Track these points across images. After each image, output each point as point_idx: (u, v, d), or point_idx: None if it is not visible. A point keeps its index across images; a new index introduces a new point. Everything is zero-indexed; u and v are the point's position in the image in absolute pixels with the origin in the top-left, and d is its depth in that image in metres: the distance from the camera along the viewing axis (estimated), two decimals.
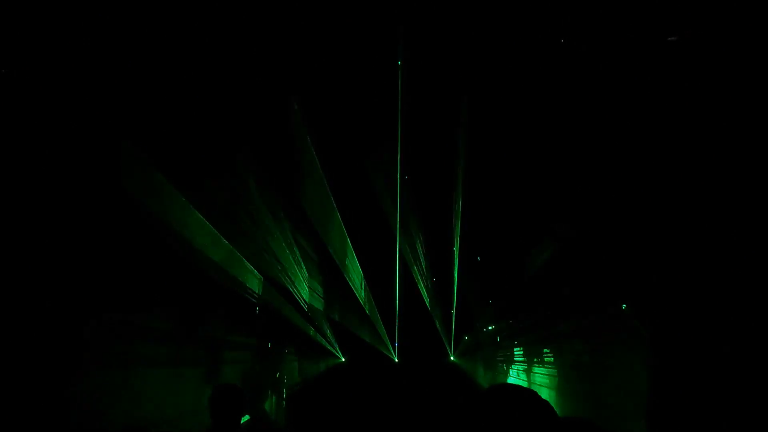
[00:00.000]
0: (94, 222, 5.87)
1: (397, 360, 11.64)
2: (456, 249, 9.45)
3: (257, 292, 10.02)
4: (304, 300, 10.49)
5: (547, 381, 10.04)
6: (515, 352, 11.21)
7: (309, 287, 10.71)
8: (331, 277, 10.70)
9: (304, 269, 10.31)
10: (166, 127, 6.08)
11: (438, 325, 11.99)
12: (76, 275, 6.03)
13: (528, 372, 10.75)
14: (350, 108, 6.56)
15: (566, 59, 5.99)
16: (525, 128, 6.80)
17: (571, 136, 6.59)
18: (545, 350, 10.13)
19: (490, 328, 11.88)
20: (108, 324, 6.40)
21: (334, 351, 11.79)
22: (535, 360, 10.46)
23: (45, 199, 5.59)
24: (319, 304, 11.12)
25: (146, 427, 3.01)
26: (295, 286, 10.08)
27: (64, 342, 5.94)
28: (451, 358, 11.96)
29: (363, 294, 11.08)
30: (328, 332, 11.41)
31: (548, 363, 10.07)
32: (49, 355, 5.67)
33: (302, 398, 11.25)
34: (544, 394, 9.98)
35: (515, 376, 11.13)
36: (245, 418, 7.07)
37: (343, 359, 11.89)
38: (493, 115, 6.72)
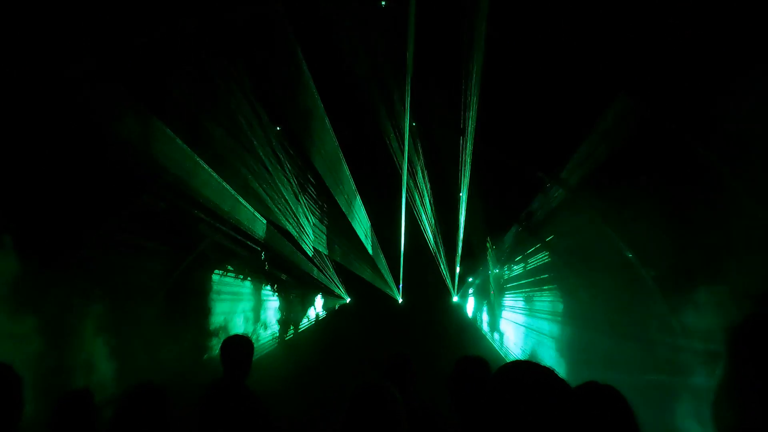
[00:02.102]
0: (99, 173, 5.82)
1: (401, 301, 11.85)
2: (463, 194, 9.39)
3: (262, 237, 10.07)
4: (309, 244, 10.55)
5: (550, 325, 10.22)
6: (520, 296, 11.35)
7: (314, 231, 10.75)
8: (336, 221, 10.72)
9: (310, 213, 10.31)
10: (163, 68, 5.89)
11: (442, 268, 12.13)
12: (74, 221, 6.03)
13: (532, 316, 10.93)
14: (357, 52, 6.34)
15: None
16: (535, 73, 6.58)
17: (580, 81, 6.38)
18: (549, 296, 10.24)
19: (494, 271, 12.00)
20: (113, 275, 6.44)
21: (339, 292, 11.99)
22: (541, 304, 10.59)
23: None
24: (324, 248, 11.20)
25: (156, 382, 3.03)
26: (301, 231, 10.11)
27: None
28: (455, 299, 12.17)
29: (369, 237, 11.13)
30: (334, 275, 11.56)
31: (553, 308, 10.21)
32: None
33: (308, 338, 11.54)
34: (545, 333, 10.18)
35: (518, 321, 11.33)
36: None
37: (348, 300, 12.11)
38: (503, 61, 6.48)
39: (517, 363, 1.75)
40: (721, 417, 1.05)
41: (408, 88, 6.70)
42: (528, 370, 1.68)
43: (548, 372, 1.70)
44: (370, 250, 11.33)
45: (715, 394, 1.08)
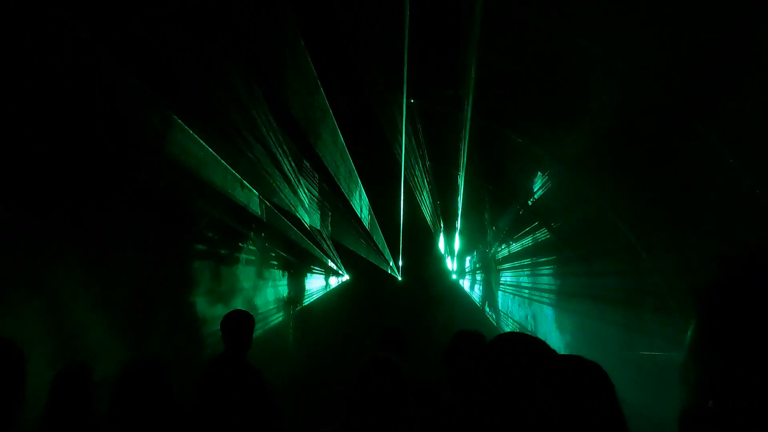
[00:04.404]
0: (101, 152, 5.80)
1: (400, 279, 11.94)
2: (461, 172, 9.39)
3: (262, 215, 10.09)
4: (308, 222, 10.58)
5: (548, 302, 10.31)
6: (517, 273, 11.44)
7: (313, 210, 10.77)
8: (335, 199, 10.74)
9: (309, 192, 10.32)
10: (163, 47, 5.81)
11: (441, 246, 12.20)
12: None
13: (529, 292, 11.02)
14: (354, 32, 6.28)
15: None
16: (536, 46, 6.53)
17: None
18: (547, 273, 10.31)
19: (493, 248, 12.07)
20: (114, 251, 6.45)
21: (338, 270, 12.07)
22: (538, 281, 10.68)
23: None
24: (323, 227, 11.24)
25: (154, 358, 3.06)
26: (299, 209, 10.13)
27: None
28: (453, 276, 12.26)
29: (367, 216, 11.17)
30: (333, 253, 11.63)
31: (546, 283, 10.29)
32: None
33: (308, 314, 11.65)
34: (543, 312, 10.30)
35: (515, 297, 11.44)
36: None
37: (347, 278, 12.19)
38: (503, 34, 6.42)
39: (509, 334, 1.80)
40: (687, 377, 1.09)
41: (405, 62, 6.65)
42: (519, 340, 1.73)
43: (538, 342, 1.75)
44: (368, 229, 11.37)
45: (683, 356, 1.11)
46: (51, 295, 5.64)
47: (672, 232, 6.57)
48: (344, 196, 10.38)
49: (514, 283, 11.47)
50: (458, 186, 9.95)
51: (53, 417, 3.22)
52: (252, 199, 9.52)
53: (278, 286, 11.33)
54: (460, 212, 10.90)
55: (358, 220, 11.11)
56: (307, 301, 11.98)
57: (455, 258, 12.27)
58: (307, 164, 9.57)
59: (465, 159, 8.83)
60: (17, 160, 5.17)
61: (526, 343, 1.72)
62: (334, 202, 10.95)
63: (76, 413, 3.26)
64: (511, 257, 11.48)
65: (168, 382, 2.98)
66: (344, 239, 11.44)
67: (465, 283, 12.46)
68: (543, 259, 10.13)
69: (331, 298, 12.03)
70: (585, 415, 1.83)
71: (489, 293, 12.15)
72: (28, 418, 2.37)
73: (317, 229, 11.02)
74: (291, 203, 9.69)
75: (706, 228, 5.71)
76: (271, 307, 10.95)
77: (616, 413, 1.92)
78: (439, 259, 12.24)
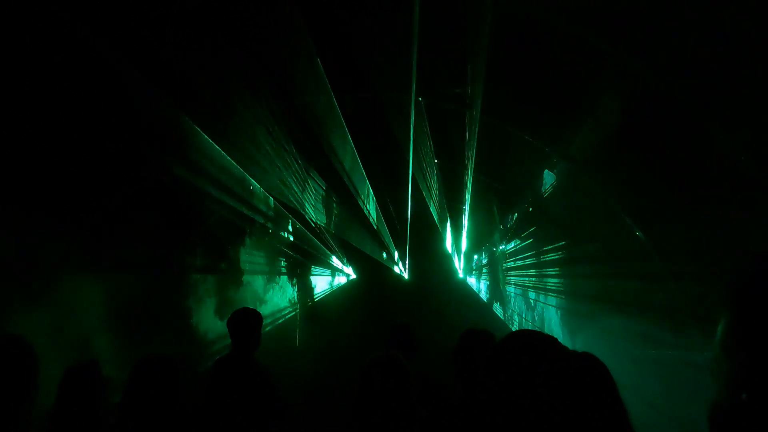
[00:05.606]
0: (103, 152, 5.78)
1: (407, 277, 11.93)
2: (469, 172, 9.37)
3: (269, 213, 10.11)
4: (315, 221, 10.59)
5: (556, 301, 10.27)
6: (525, 272, 11.40)
7: (320, 208, 10.78)
8: (342, 196, 10.75)
9: (316, 190, 10.33)
10: (167, 42, 5.79)
11: (448, 245, 12.18)
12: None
13: (537, 291, 10.97)
14: (363, 29, 6.27)
15: None
16: (545, 43, 6.49)
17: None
18: (555, 272, 10.26)
19: (500, 247, 12.03)
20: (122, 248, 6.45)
21: (345, 269, 12.08)
22: (547, 280, 10.63)
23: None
24: (330, 225, 11.25)
25: (166, 355, 3.08)
26: (306, 208, 10.13)
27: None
28: (460, 275, 12.23)
29: (374, 214, 11.17)
30: (340, 252, 11.63)
31: (558, 286, 10.24)
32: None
33: (315, 312, 11.66)
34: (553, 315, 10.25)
35: (523, 296, 11.39)
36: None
37: (354, 277, 12.19)
38: (512, 32, 6.39)
39: (521, 332, 1.78)
40: (718, 371, 1.07)
41: (414, 59, 6.64)
42: (529, 338, 1.71)
43: (549, 340, 1.73)
44: (376, 227, 11.37)
45: (715, 351, 1.10)
46: (54, 294, 5.65)
47: (682, 230, 6.52)
48: (352, 194, 10.38)
49: (522, 283, 11.43)
50: (466, 184, 9.93)
51: (63, 412, 3.24)
52: (259, 198, 9.53)
53: (286, 284, 11.35)
54: (467, 211, 10.87)
55: (366, 218, 11.12)
56: (314, 300, 12.00)
57: (462, 256, 12.24)
58: (315, 163, 9.57)
59: (473, 157, 8.80)
60: (18, 161, 5.16)
61: (534, 342, 1.70)
62: (341, 200, 10.96)
63: (85, 409, 3.28)
64: (519, 256, 11.44)
65: (178, 380, 2.99)
66: (351, 237, 11.45)
67: (472, 282, 12.43)
68: (551, 258, 10.08)
69: (339, 296, 12.04)
70: (585, 414, 1.82)
71: (496, 292, 12.11)
72: (37, 414, 2.38)
73: (325, 228, 11.03)
74: (299, 202, 9.70)
75: (717, 226, 5.67)
76: (279, 305, 10.97)
77: (616, 411, 1.91)
78: (446, 258, 12.22)
